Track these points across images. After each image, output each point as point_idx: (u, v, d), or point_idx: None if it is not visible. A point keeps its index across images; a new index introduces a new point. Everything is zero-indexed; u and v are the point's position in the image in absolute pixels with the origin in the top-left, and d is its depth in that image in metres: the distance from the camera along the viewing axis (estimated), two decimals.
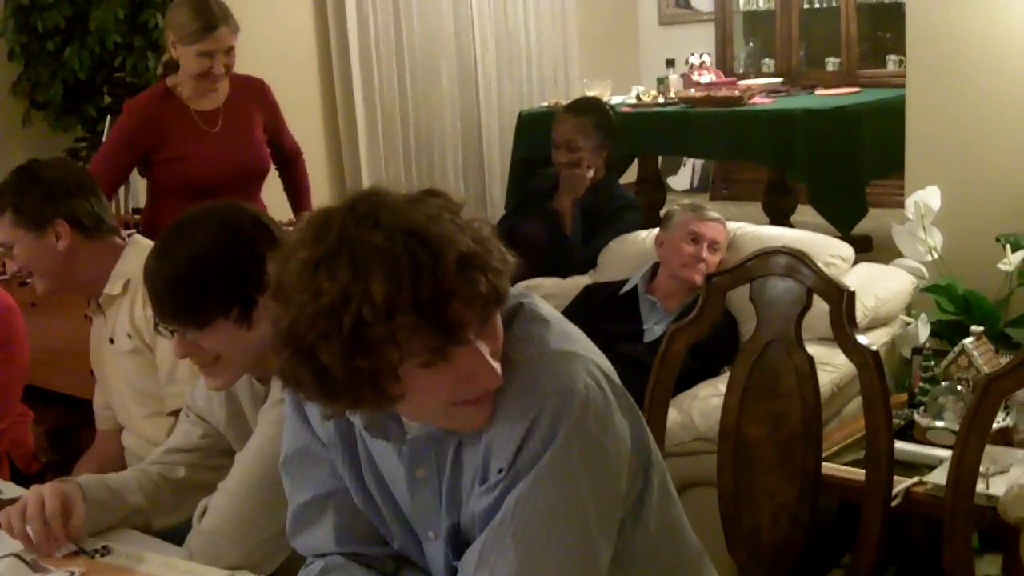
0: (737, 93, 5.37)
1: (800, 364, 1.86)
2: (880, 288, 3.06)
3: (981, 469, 1.75)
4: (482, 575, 1.23)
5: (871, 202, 5.06)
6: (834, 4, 7.03)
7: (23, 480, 2.49)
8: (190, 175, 3.22)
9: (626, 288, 3.13)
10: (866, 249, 5.08)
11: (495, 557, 1.22)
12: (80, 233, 2.32)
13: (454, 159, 6.38)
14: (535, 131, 5.31)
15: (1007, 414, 2.50)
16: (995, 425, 2.16)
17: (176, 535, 1.75)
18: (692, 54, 6.10)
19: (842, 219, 4.87)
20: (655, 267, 3.14)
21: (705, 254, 3.02)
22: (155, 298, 1.66)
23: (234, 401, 1.84)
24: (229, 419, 1.85)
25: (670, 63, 5.94)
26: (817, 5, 7.18)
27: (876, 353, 1.80)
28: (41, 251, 2.31)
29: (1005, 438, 2.45)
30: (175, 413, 2.14)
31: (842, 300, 1.81)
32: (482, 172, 6.54)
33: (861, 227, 5.02)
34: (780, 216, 5.51)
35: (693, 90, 5.59)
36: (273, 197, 3.53)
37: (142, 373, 2.35)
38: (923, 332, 3.03)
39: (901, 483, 2.28)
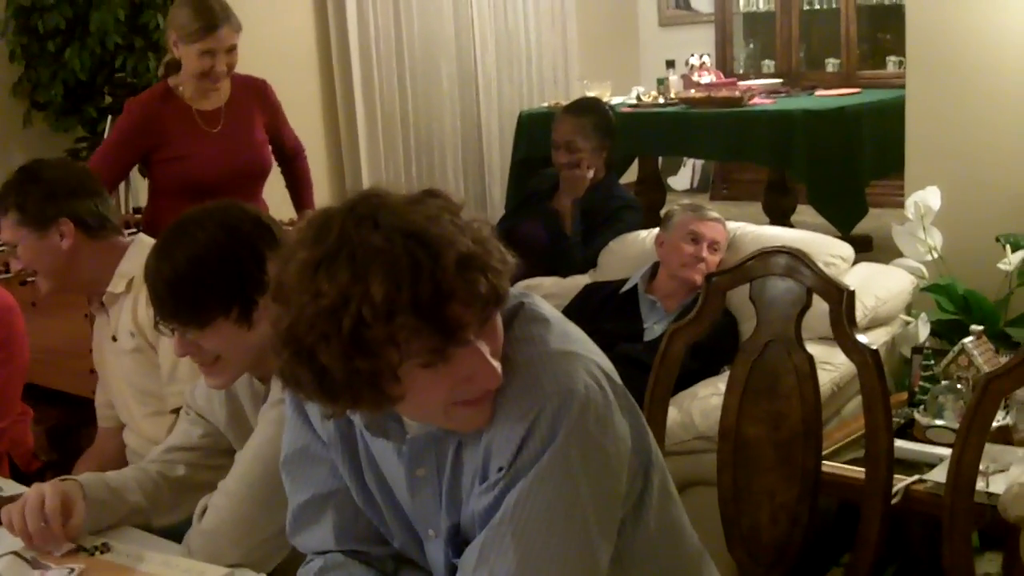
0: (737, 94, 5.37)
1: (800, 364, 1.86)
2: (880, 288, 3.06)
3: (981, 467, 1.75)
4: (481, 574, 1.23)
5: (871, 202, 5.06)
6: (834, 5, 7.03)
7: (23, 479, 2.49)
8: (191, 175, 3.22)
9: (626, 288, 3.13)
10: (866, 249, 5.08)
11: (494, 556, 1.22)
12: (84, 232, 2.33)
13: (454, 159, 6.37)
14: (535, 132, 5.31)
15: (1007, 413, 2.50)
16: (995, 424, 2.16)
17: (176, 533, 1.75)
18: (692, 55, 6.09)
19: (842, 219, 4.88)
20: (655, 267, 3.14)
21: (705, 254, 3.02)
22: (155, 298, 1.67)
23: (234, 400, 1.85)
24: (229, 418, 1.86)
25: (670, 64, 5.93)
26: (817, 6, 7.19)
27: (876, 352, 1.80)
28: (45, 250, 2.31)
29: (1005, 437, 2.45)
30: (177, 411, 2.14)
31: (842, 300, 1.81)
32: (482, 172, 6.54)
33: (861, 227, 5.03)
34: (780, 216, 5.52)
35: (693, 91, 5.58)
36: (275, 195, 3.53)
37: (144, 372, 2.35)
38: (923, 331, 3.04)
39: (901, 482, 2.28)
